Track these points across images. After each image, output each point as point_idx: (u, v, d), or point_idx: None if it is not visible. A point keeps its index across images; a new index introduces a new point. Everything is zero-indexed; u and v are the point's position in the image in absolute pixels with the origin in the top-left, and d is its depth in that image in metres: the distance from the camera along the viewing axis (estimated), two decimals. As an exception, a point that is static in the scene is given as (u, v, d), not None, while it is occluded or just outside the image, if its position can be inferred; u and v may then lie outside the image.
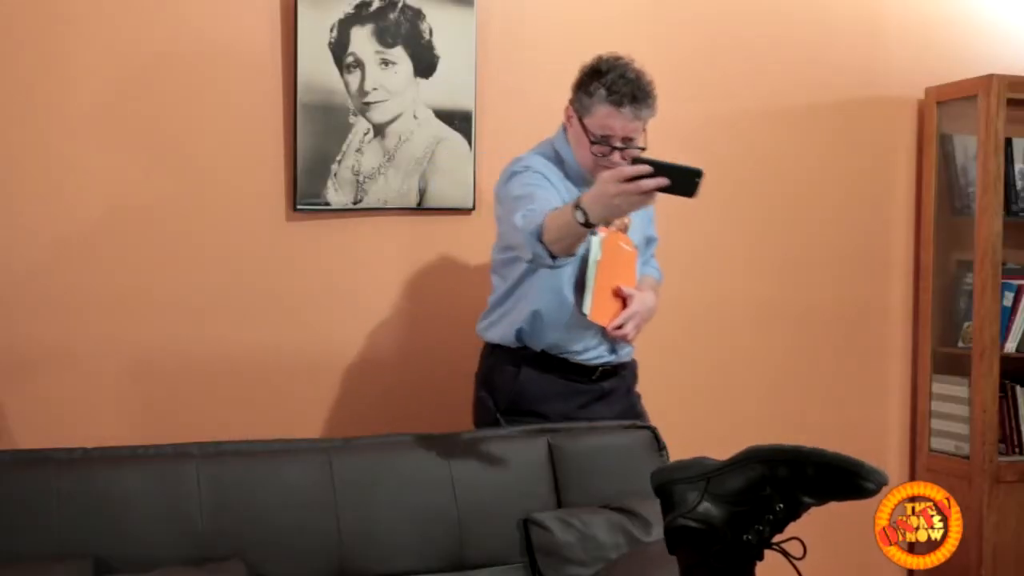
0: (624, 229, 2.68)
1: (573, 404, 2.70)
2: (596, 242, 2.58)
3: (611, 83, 2.50)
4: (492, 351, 2.75)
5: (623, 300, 2.61)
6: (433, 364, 3.15)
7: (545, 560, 2.40)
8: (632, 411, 2.81)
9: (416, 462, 2.46)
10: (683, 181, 2.04)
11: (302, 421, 2.97)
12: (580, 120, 2.56)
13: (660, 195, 2.09)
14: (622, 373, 2.78)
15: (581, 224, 2.18)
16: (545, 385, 2.68)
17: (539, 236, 2.29)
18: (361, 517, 2.36)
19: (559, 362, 2.67)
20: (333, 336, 3.05)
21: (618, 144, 2.54)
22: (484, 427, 2.72)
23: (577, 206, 2.17)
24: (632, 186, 2.05)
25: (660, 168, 2.03)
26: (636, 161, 2.09)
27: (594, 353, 2.69)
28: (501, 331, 2.70)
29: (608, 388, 2.75)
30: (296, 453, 2.42)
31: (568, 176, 2.63)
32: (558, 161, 2.64)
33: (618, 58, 2.55)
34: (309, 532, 2.32)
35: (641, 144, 2.57)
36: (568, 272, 2.59)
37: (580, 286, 2.60)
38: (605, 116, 2.52)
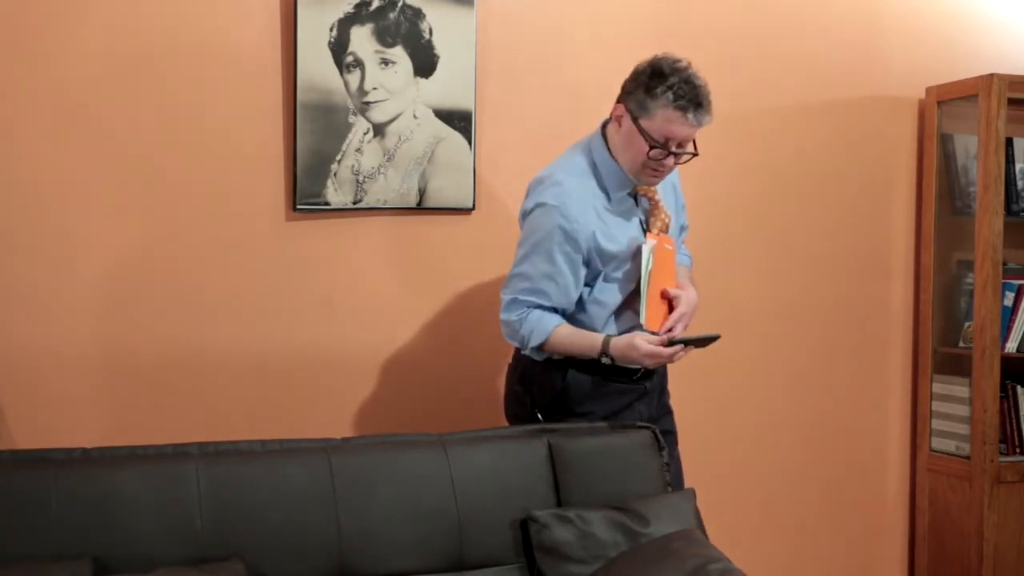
0: (666, 229, 2.64)
1: (615, 405, 2.69)
2: (648, 251, 2.55)
3: (677, 87, 2.42)
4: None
5: (669, 302, 2.58)
6: (433, 363, 3.16)
7: (544, 558, 2.39)
8: (665, 408, 2.83)
9: (416, 462, 2.45)
10: (704, 343, 2.55)
11: (302, 421, 2.97)
12: (635, 121, 2.48)
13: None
14: (660, 371, 2.78)
15: (605, 362, 2.49)
16: (588, 386, 2.67)
17: (540, 347, 2.58)
18: (361, 517, 2.35)
19: (601, 364, 2.66)
20: (333, 336, 3.05)
21: (674, 149, 2.49)
22: (519, 422, 2.72)
23: (604, 352, 2.50)
24: (664, 358, 2.52)
25: (690, 342, 2.52)
26: (671, 343, 2.50)
27: None
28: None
29: (648, 387, 2.74)
30: (295, 453, 2.41)
31: (601, 185, 2.57)
32: (593, 173, 2.58)
33: (678, 60, 2.47)
34: (309, 532, 2.31)
35: (691, 150, 2.53)
36: (615, 299, 2.62)
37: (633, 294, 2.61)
38: (668, 121, 2.44)
